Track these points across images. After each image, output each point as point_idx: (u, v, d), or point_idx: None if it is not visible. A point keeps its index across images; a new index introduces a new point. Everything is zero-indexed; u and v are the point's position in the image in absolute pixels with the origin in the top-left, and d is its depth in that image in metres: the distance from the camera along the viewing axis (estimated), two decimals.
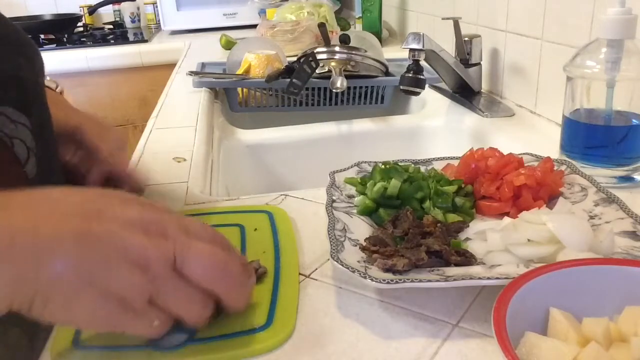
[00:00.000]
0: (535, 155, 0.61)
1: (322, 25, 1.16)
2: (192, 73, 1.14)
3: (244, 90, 1.06)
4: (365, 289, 0.45)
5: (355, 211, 0.54)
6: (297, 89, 0.93)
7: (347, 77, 0.97)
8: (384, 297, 0.44)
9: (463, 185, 0.57)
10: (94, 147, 0.61)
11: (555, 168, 0.58)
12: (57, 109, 0.58)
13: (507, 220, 0.49)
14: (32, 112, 0.52)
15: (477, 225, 0.51)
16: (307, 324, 0.41)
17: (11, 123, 0.49)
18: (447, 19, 1.01)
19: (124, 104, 1.92)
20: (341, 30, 1.66)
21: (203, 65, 1.25)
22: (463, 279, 0.40)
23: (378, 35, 1.52)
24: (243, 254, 0.50)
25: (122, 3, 2.43)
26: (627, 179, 0.60)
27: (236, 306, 0.37)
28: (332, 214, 0.51)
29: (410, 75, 0.85)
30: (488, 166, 0.57)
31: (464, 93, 1.02)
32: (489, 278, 0.40)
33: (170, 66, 1.57)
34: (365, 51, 1.06)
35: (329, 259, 0.48)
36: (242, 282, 0.37)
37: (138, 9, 2.46)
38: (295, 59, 1.09)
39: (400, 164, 0.60)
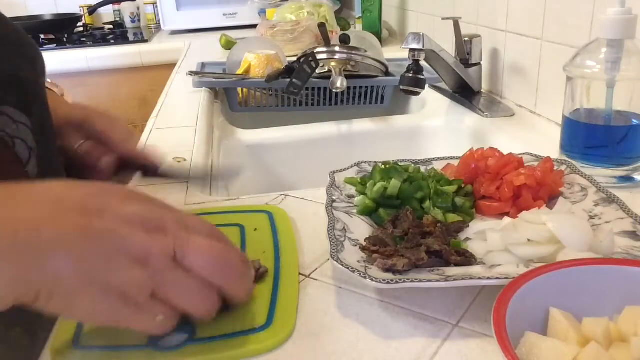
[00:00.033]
0: (535, 155, 0.61)
1: (322, 25, 1.16)
2: (192, 73, 1.14)
3: (244, 90, 1.05)
4: (365, 289, 0.45)
5: (355, 211, 0.54)
6: (297, 89, 0.93)
7: (347, 77, 0.97)
8: (384, 297, 0.44)
9: (463, 185, 0.57)
10: (105, 135, 0.62)
11: (555, 168, 0.58)
12: (61, 104, 0.59)
13: (507, 220, 0.49)
14: (32, 112, 0.52)
15: (477, 225, 0.51)
16: (307, 324, 0.41)
17: (13, 123, 0.49)
18: (447, 19, 1.01)
19: (124, 104, 1.92)
20: (341, 30, 1.65)
21: (203, 65, 1.25)
22: (463, 279, 0.40)
23: (378, 35, 1.52)
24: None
25: (122, 3, 2.44)
26: (627, 179, 0.60)
27: (238, 296, 0.37)
28: (332, 214, 0.51)
29: (410, 75, 0.85)
30: (488, 166, 0.57)
31: (464, 93, 1.02)
32: (489, 278, 0.40)
33: (170, 66, 1.57)
34: (365, 51, 1.06)
35: (329, 259, 0.48)
36: (242, 273, 0.38)
37: (138, 9, 2.46)
38: (295, 59, 1.09)
39: (400, 164, 0.60)
